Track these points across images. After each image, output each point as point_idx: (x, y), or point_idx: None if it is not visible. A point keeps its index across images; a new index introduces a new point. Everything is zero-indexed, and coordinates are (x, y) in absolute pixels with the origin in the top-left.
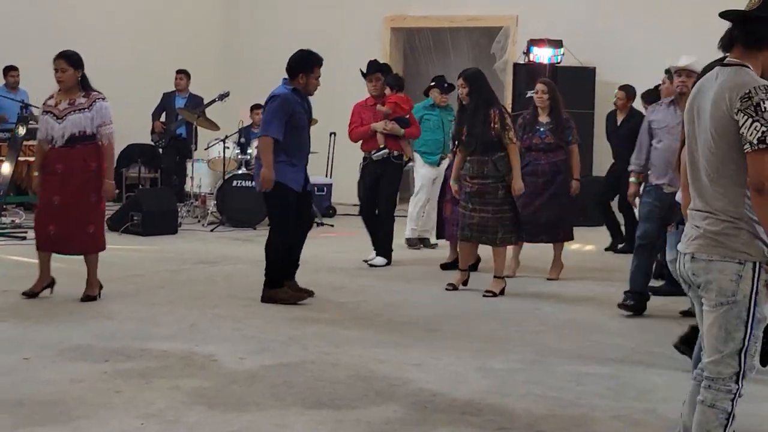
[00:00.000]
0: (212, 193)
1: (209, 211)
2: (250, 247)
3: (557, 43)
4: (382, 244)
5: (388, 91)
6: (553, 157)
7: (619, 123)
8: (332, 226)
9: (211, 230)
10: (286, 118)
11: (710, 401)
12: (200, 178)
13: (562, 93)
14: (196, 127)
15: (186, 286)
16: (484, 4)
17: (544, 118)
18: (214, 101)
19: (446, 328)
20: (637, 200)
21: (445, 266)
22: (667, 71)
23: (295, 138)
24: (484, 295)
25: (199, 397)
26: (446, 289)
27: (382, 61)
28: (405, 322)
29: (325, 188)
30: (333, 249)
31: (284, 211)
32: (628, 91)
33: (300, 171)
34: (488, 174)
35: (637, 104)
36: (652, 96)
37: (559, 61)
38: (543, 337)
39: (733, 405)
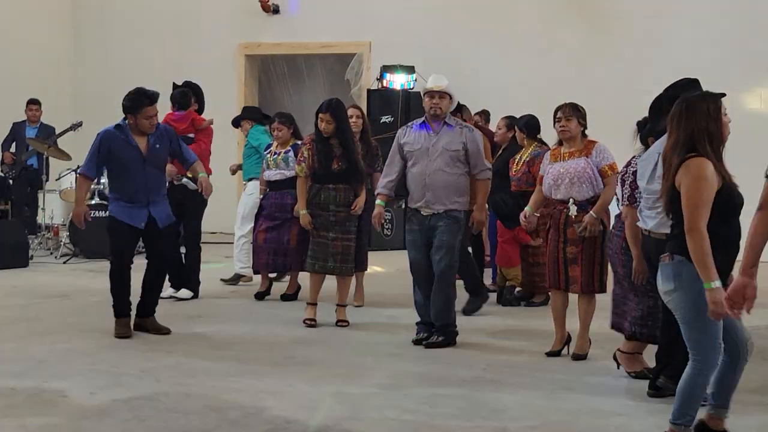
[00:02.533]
0: (65, 224)
1: (62, 243)
2: (103, 279)
3: (410, 69)
4: (188, 276)
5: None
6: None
7: None
8: None
9: (64, 262)
10: (102, 155)
11: None
12: (52, 209)
13: (415, 116)
14: (47, 158)
15: (36, 321)
16: (338, 31)
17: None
18: (67, 131)
19: (301, 356)
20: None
21: (260, 295)
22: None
23: (121, 175)
24: (338, 325)
25: None
26: (307, 326)
27: (237, 89)
28: (261, 351)
29: None
30: None
31: (116, 246)
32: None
33: (139, 208)
34: (352, 202)
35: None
36: None
37: (411, 86)
38: (397, 362)
39: None
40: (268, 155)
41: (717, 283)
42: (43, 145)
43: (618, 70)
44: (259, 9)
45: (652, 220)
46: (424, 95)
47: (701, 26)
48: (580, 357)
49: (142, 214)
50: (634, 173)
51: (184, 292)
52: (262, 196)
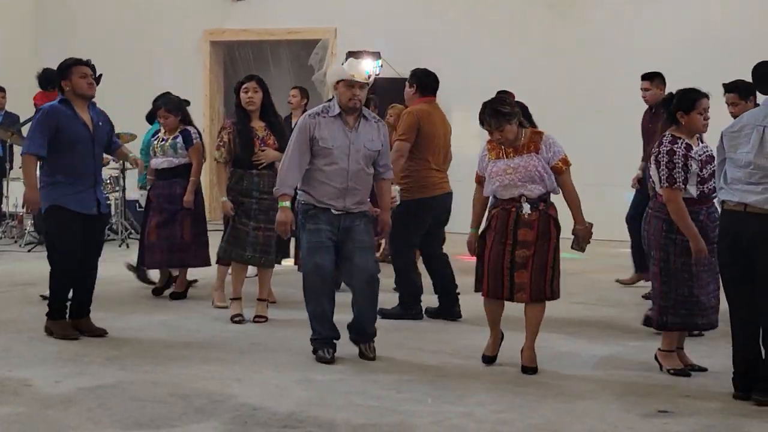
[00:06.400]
0: (29, 213)
1: (26, 231)
2: None
3: (375, 55)
4: None
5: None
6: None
7: None
8: None
9: (29, 250)
10: (51, 132)
11: None
12: (17, 197)
13: (382, 104)
14: (11, 145)
15: (1, 309)
16: (303, 17)
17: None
18: (31, 119)
19: (267, 343)
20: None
21: (157, 291)
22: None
23: (70, 155)
24: (254, 321)
25: (11, 424)
26: (234, 322)
27: (203, 76)
28: (226, 338)
29: None
30: None
31: (64, 237)
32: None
33: (86, 191)
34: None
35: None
36: None
37: (377, 72)
38: None
39: None
40: (156, 141)
41: None
42: (7, 132)
43: (591, 56)
44: None
45: (756, 195)
46: (338, 83)
47: (677, 11)
48: (530, 370)
49: (90, 197)
50: (685, 156)
51: None
52: (149, 187)
